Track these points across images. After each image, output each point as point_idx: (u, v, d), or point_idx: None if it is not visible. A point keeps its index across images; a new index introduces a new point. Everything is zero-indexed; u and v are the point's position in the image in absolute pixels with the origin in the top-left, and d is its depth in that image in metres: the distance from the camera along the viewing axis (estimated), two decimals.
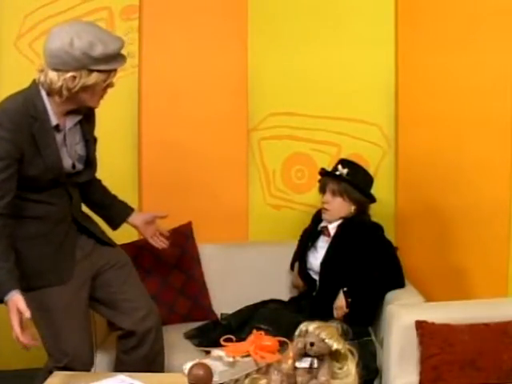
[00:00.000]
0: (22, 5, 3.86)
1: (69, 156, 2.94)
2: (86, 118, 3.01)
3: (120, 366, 3.20)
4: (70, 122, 2.93)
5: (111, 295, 3.14)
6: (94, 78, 2.79)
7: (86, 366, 3.03)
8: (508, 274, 3.74)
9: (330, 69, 4.05)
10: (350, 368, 2.44)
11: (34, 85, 2.85)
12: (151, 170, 4.02)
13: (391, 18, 4.01)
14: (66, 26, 2.83)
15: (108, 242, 3.20)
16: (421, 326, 3.05)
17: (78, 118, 2.96)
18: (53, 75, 2.77)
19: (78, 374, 2.88)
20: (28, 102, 2.82)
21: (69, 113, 2.91)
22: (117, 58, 2.82)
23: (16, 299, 2.65)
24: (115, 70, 2.85)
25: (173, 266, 3.76)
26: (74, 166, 2.97)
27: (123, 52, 2.85)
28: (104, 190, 3.29)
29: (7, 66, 3.86)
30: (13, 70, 3.83)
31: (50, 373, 2.95)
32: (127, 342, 3.18)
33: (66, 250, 3.00)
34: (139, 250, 3.71)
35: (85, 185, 3.11)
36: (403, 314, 3.13)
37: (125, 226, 3.35)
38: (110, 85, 2.88)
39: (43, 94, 2.84)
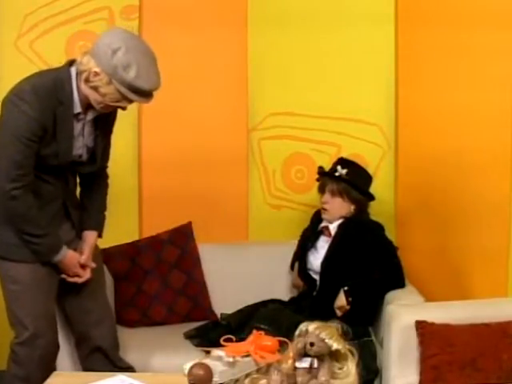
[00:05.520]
0: (22, 5, 3.86)
1: (82, 146, 2.98)
2: (106, 115, 3.02)
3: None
4: (91, 114, 2.96)
5: (77, 288, 3.11)
6: (110, 90, 2.81)
7: (50, 348, 3.02)
8: (508, 273, 3.74)
9: (330, 69, 4.05)
10: (350, 368, 2.43)
11: (67, 67, 2.90)
12: (151, 170, 4.02)
13: (391, 19, 4.00)
14: (128, 34, 2.87)
15: None
16: (421, 325, 3.05)
17: (98, 112, 2.98)
18: (87, 59, 2.82)
19: (77, 374, 2.89)
20: (58, 82, 2.86)
21: (91, 106, 2.93)
22: (141, 93, 2.83)
23: (72, 252, 3.01)
24: (131, 100, 2.86)
25: (173, 265, 3.76)
26: (80, 156, 3.00)
27: (153, 93, 2.86)
28: (91, 195, 3.19)
29: (7, 66, 3.86)
30: (13, 70, 3.81)
31: (13, 352, 2.99)
32: (82, 348, 3.19)
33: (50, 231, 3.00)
34: (139, 250, 3.71)
35: (85, 175, 3.13)
36: (403, 314, 3.13)
37: (125, 226, 3.34)
38: (121, 107, 2.92)
39: (73, 78, 2.87)
